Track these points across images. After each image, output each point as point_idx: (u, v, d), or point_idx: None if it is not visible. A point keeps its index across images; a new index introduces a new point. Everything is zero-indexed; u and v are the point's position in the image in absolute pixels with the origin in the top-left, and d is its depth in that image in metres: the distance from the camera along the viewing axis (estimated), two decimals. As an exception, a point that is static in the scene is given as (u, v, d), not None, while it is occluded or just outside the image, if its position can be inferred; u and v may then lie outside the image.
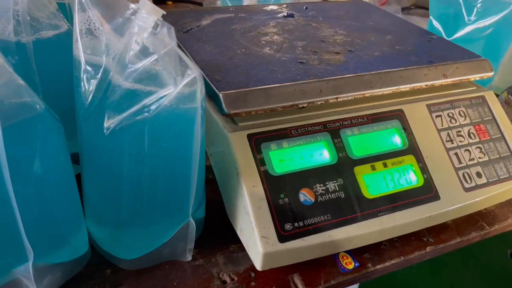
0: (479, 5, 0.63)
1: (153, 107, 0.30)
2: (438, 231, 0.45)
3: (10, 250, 0.30)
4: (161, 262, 0.39)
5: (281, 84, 0.40)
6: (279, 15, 0.59)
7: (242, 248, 0.40)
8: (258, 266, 0.36)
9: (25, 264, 0.30)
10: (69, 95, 0.44)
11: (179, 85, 0.30)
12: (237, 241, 0.40)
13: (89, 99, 0.33)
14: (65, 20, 0.42)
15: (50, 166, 0.30)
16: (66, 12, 0.48)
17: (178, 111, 0.31)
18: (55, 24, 0.41)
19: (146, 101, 0.31)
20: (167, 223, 0.37)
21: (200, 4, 1.00)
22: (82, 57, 0.33)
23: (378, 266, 0.41)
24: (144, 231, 0.37)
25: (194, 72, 0.30)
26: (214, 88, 0.39)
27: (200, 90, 0.31)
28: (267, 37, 0.51)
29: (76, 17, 0.33)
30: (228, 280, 0.38)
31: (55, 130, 0.30)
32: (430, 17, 0.69)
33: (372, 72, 0.44)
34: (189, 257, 0.38)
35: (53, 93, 0.41)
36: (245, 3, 0.86)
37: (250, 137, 0.39)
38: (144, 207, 0.36)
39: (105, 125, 0.31)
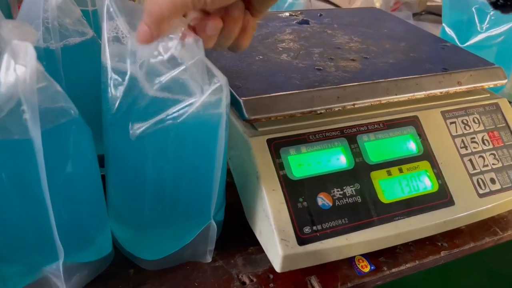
0: (492, 12, 0.64)
1: (179, 115, 0.31)
2: (452, 236, 0.45)
3: (42, 249, 0.31)
4: (181, 263, 0.40)
5: (299, 91, 0.41)
6: (295, 22, 0.60)
7: (260, 250, 0.41)
8: (278, 268, 0.37)
9: (55, 263, 0.31)
10: (93, 100, 0.46)
11: (205, 93, 0.31)
12: (255, 243, 0.41)
13: (116, 105, 0.34)
14: (89, 26, 0.44)
15: (80, 169, 0.31)
16: (89, 19, 0.50)
17: (204, 118, 0.32)
18: (81, 30, 0.42)
19: (173, 108, 0.32)
20: (189, 225, 0.38)
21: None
22: (109, 64, 0.34)
23: (393, 270, 0.41)
24: (166, 233, 0.38)
25: (220, 80, 0.31)
26: (235, 94, 0.40)
27: (225, 97, 0.32)
28: (284, 44, 0.52)
29: (105, 25, 0.34)
30: (247, 281, 0.39)
31: (86, 134, 0.31)
32: (443, 24, 0.69)
33: (388, 79, 0.45)
34: (209, 259, 0.39)
35: (78, 98, 0.42)
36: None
37: (269, 142, 0.40)
38: (167, 210, 0.37)
39: (131, 131, 0.33)
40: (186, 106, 0.31)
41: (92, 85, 0.45)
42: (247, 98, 0.39)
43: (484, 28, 0.63)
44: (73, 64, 0.41)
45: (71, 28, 0.41)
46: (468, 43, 0.65)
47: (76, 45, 0.41)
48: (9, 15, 0.49)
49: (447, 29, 0.68)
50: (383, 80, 0.44)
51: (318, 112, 0.41)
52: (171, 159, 0.34)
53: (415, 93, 0.45)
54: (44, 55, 0.39)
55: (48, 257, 0.32)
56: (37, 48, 0.39)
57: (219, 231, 0.43)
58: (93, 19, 0.50)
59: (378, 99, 0.44)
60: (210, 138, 0.34)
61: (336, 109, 0.42)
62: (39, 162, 0.27)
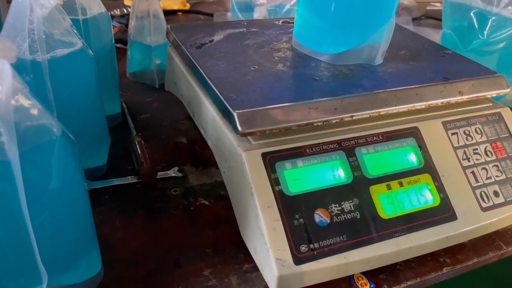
0: (493, 17, 0.63)
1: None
2: (454, 251, 0.44)
3: (24, 273, 0.30)
4: (174, 282, 0.38)
5: (295, 103, 0.40)
6: (291, 29, 0.58)
7: (255, 268, 0.39)
8: (273, 288, 0.36)
9: (39, 287, 0.30)
10: (82, 112, 0.44)
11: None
12: (251, 260, 0.40)
13: None
14: (79, 36, 0.42)
15: (65, 187, 0.30)
16: (80, 28, 0.48)
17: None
18: (70, 41, 0.41)
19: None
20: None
21: (211, 15, 1.00)
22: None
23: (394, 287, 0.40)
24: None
25: None
26: (229, 107, 0.39)
27: None
28: (280, 53, 0.51)
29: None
30: (242, 301, 0.37)
31: (71, 151, 0.30)
32: (443, 29, 0.68)
33: (387, 90, 0.43)
34: None
35: (67, 110, 0.41)
36: (255, 15, 0.87)
37: (264, 156, 0.38)
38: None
39: None
40: None
41: (81, 97, 0.44)
42: (241, 111, 0.38)
43: (485, 34, 0.61)
44: (61, 77, 0.40)
45: (59, 38, 0.40)
46: (469, 49, 0.64)
47: (64, 57, 0.40)
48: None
49: (448, 35, 0.66)
50: (382, 90, 0.43)
51: (315, 124, 0.40)
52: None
53: (415, 104, 0.44)
54: (31, 67, 0.38)
55: (31, 281, 0.30)
56: (23, 60, 0.37)
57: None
58: (83, 28, 0.49)
59: (377, 110, 0.42)
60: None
61: (334, 121, 0.41)
62: (18, 184, 0.25)
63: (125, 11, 0.99)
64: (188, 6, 1.08)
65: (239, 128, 0.37)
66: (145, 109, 0.64)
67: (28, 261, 0.29)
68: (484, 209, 0.43)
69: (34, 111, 0.26)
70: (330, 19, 0.46)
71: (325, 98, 0.41)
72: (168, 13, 1.01)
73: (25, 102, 0.25)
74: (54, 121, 0.28)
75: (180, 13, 1.05)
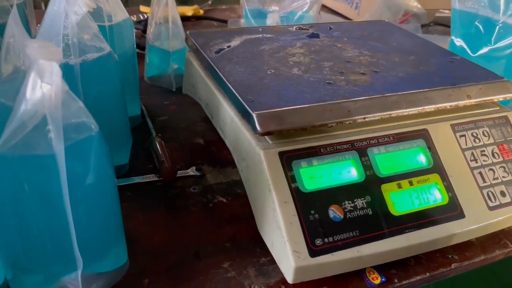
0: (500, 25, 0.65)
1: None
2: (462, 248, 0.45)
3: (62, 259, 0.32)
4: (195, 274, 0.40)
5: (310, 104, 0.42)
6: (305, 35, 0.61)
7: (272, 261, 0.42)
8: (290, 279, 0.38)
9: (74, 273, 0.32)
10: (108, 113, 0.47)
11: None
12: (267, 254, 0.42)
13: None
14: (106, 42, 0.45)
15: (99, 181, 0.32)
16: (105, 34, 0.51)
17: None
18: (99, 46, 0.43)
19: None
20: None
21: (224, 22, 1.03)
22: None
23: (404, 282, 0.42)
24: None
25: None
26: (248, 108, 0.41)
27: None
28: (295, 57, 0.53)
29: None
30: (259, 292, 0.39)
31: (105, 148, 0.32)
32: (452, 36, 0.70)
33: (398, 93, 0.45)
34: None
35: (94, 111, 0.43)
36: (268, 21, 0.89)
37: (281, 154, 0.41)
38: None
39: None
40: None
41: (107, 98, 0.47)
42: (259, 112, 0.40)
43: (492, 41, 0.63)
44: (90, 79, 0.43)
45: (89, 43, 0.43)
46: (477, 54, 0.66)
47: (94, 61, 0.43)
48: (27, 30, 0.51)
49: (456, 42, 0.68)
50: (393, 94, 0.45)
51: (329, 125, 0.42)
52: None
53: (425, 107, 0.46)
54: (64, 71, 0.40)
55: (67, 267, 0.33)
56: (57, 64, 0.40)
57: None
58: (109, 34, 0.52)
59: (388, 112, 0.44)
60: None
61: (347, 122, 0.43)
62: (61, 177, 0.28)
63: (141, 17, 1.02)
64: (201, 13, 1.11)
65: (258, 128, 0.40)
66: (163, 111, 0.66)
67: (66, 248, 0.31)
68: (491, 208, 0.45)
69: (77, 110, 0.29)
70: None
71: (339, 100, 0.43)
72: (183, 19, 1.03)
73: (70, 101, 0.28)
74: (92, 119, 0.30)
75: (194, 19, 1.08)
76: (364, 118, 0.43)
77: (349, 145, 0.43)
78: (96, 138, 0.30)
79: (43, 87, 0.25)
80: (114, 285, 0.38)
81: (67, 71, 0.40)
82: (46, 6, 0.49)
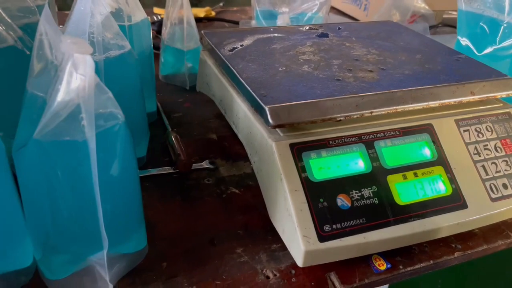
0: (505, 25, 0.66)
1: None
2: (465, 238, 0.47)
3: (89, 240, 0.35)
4: (210, 258, 0.43)
5: (320, 99, 0.44)
6: (314, 35, 0.63)
7: (283, 248, 0.44)
8: (300, 262, 0.40)
9: (100, 253, 0.35)
10: (128, 108, 0.50)
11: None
12: (278, 241, 0.44)
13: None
14: (127, 40, 0.48)
15: (124, 168, 0.35)
16: (125, 33, 0.54)
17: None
18: (121, 44, 0.46)
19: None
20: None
21: (236, 23, 1.06)
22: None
23: (408, 268, 0.44)
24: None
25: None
26: (261, 102, 0.43)
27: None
28: (305, 56, 0.55)
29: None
30: (271, 275, 0.42)
31: (130, 136, 0.35)
32: (458, 36, 0.72)
33: (404, 89, 0.47)
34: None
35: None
36: (278, 22, 0.91)
37: (292, 146, 0.43)
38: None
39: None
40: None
41: (128, 94, 0.49)
42: (271, 106, 0.43)
43: (497, 40, 0.65)
44: (113, 75, 0.45)
45: (112, 42, 0.45)
46: (482, 54, 0.68)
47: (116, 58, 0.45)
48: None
49: (462, 41, 0.70)
50: (399, 89, 0.47)
51: (338, 119, 0.44)
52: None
53: (430, 102, 0.48)
54: (89, 66, 0.43)
55: (94, 248, 0.35)
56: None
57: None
58: (128, 33, 0.54)
59: (394, 107, 0.46)
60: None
61: (355, 116, 0.45)
62: (92, 162, 0.30)
63: (155, 18, 1.05)
64: (213, 14, 1.14)
65: (270, 121, 0.42)
66: (178, 108, 0.69)
67: (94, 229, 0.34)
68: (493, 200, 0.47)
69: (106, 100, 0.31)
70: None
71: (347, 96, 0.45)
72: (195, 21, 1.06)
73: (101, 91, 0.31)
74: (119, 109, 0.33)
75: (206, 21, 1.11)
76: (371, 112, 0.45)
77: (357, 138, 0.45)
78: (122, 126, 0.33)
79: (78, 78, 0.28)
80: (135, 268, 0.41)
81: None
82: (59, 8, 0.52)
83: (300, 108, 0.43)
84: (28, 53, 0.46)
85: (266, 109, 0.42)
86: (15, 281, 0.39)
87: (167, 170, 0.54)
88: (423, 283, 0.60)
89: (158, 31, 0.93)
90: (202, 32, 0.63)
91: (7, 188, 0.36)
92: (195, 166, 0.55)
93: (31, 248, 0.40)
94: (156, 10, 1.11)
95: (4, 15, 0.46)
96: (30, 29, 0.48)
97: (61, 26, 0.60)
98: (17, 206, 0.38)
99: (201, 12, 1.12)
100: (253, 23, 0.96)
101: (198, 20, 1.09)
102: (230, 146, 0.60)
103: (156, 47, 0.79)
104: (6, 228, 0.37)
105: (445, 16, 1.17)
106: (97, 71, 0.43)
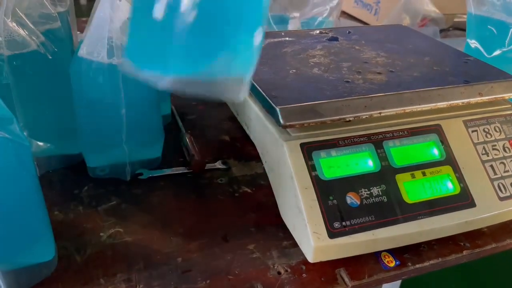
0: (514, 27, 0.67)
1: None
2: (474, 237, 0.48)
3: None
4: (223, 253, 0.44)
5: (330, 100, 0.46)
6: (325, 38, 0.65)
7: (294, 245, 0.45)
8: (310, 258, 0.41)
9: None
10: (145, 110, 0.51)
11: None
12: (289, 238, 0.46)
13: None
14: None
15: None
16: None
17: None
18: (137, 48, 0.48)
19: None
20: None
21: (247, 28, 1.07)
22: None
23: (417, 265, 0.45)
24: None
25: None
26: (272, 103, 0.45)
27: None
28: (315, 58, 0.57)
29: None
30: (282, 271, 0.43)
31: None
32: (467, 39, 0.73)
33: (412, 90, 0.48)
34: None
35: (133, 107, 0.48)
36: (289, 27, 0.93)
37: (302, 146, 0.44)
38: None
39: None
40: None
41: (144, 96, 0.51)
42: (282, 106, 0.44)
43: (506, 43, 0.66)
44: (131, 78, 0.47)
45: (129, 45, 0.47)
46: (492, 56, 0.68)
47: (133, 61, 0.47)
48: (70, 36, 0.56)
49: (471, 44, 0.71)
50: (407, 91, 0.48)
51: (347, 119, 0.46)
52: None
53: (438, 103, 0.49)
54: (108, 70, 0.45)
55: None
56: (101, 64, 0.45)
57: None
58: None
59: (403, 108, 0.47)
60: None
61: (364, 117, 0.46)
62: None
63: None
64: (225, 20, 1.16)
65: (281, 121, 0.44)
66: (192, 111, 0.71)
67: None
68: (502, 199, 0.47)
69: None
70: (173, 31, 0.30)
71: (356, 97, 0.46)
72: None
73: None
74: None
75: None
76: (380, 113, 0.47)
77: (366, 138, 0.46)
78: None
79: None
80: (152, 261, 0.43)
81: (112, 70, 0.45)
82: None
83: (310, 109, 0.45)
84: (50, 57, 0.48)
85: (277, 109, 0.44)
86: (38, 274, 0.40)
87: (181, 170, 0.56)
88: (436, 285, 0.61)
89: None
90: (215, 36, 0.64)
91: (33, 187, 0.38)
92: (209, 166, 0.57)
93: (53, 243, 0.42)
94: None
95: (27, 21, 0.48)
96: (51, 35, 0.51)
97: (79, 32, 0.63)
98: (41, 203, 0.40)
99: (213, 17, 1.14)
100: (265, 28, 0.97)
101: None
102: (242, 147, 0.62)
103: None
104: (30, 224, 0.38)
105: (456, 19, 1.17)
106: (117, 74, 0.45)
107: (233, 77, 0.31)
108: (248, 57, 0.31)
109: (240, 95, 0.31)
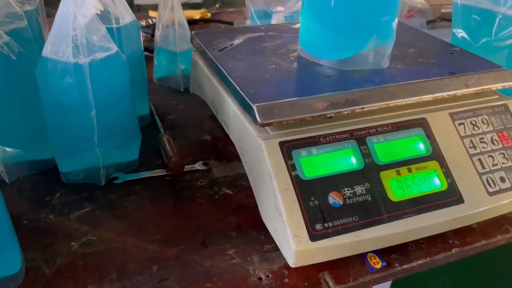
0: (500, 16, 0.65)
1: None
2: (463, 234, 0.46)
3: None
4: (202, 260, 0.42)
5: (310, 96, 0.44)
6: (307, 32, 0.62)
7: (275, 248, 0.43)
8: (291, 263, 0.39)
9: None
10: (117, 111, 0.49)
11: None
12: (271, 242, 0.44)
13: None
14: (114, 42, 0.47)
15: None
16: (113, 35, 0.53)
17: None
18: (107, 46, 0.46)
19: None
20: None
21: (231, 24, 1.05)
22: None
23: (404, 266, 0.43)
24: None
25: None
26: (248, 101, 0.43)
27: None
28: (296, 53, 0.54)
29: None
30: (263, 276, 0.41)
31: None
32: (453, 29, 0.71)
33: (395, 84, 0.47)
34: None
35: (104, 108, 0.46)
36: (273, 21, 0.91)
37: (281, 144, 0.42)
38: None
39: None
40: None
41: (116, 96, 0.49)
42: (259, 104, 0.42)
43: (493, 32, 0.64)
44: (99, 77, 0.45)
45: (98, 44, 0.45)
46: (479, 45, 0.67)
47: (102, 60, 0.45)
48: (41, 35, 0.53)
49: (458, 34, 0.69)
50: (390, 84, 0.46)
51: (328, 115, 0.44)
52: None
53: (423, 96, 0.47)
54: (74, 69, 0.43)
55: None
56: (66, 63, 0.43)
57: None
58: (117, 35, 0.54)
59: (386, 102, 0.45)
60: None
61: (345, 112, 0.44)
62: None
63: (150, 21, 1.05)
64: (209, 16, 1.14)
65: (258, 119, 0.41)
66: (172, 110, 0.69)
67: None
68: (491, 194, 0.45)
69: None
70: (330, 26, 0.48)
71: (337, 92, 0.44)
72: (191, 23, 1.05)
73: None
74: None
75: (202, 22, 1.11)
76: (362, 108, 0.45)
77: (348, 135, 0.44)
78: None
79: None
80: (126, 272, 0.40)
81: (77, 70, 0.43)
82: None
83: (289, 106, 0.43)
84: (14, 58, 0.45)
85: (254, 107, 0.42)
86: (4, 288, 0.38)
87: (159, 172, 0.53)
88: (431, 280, 0.59)
89: (153, 35, 0.93)
90: (193, 32, 0.62)
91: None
92: (188, 168, 0.54)
93: (20, 255, 0.39)
94: (151, 13, 1.11)
95: (-10, 21, 0.45)
96: (17, 35, 0.48)
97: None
98: (4, 213, 0.37)
99: (196, 14, 1.11)
100: (248, 23, 0.95)
101: (193, 22, 1.09)
102: (224, 147, 0.59)
103: (152, 51, 0.79)
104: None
105: (443, 10, 1.15)
106: (83, 74, 0.43)
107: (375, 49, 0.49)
108: (389, 35, 0.49)
109: (382, 63, 0.50)
